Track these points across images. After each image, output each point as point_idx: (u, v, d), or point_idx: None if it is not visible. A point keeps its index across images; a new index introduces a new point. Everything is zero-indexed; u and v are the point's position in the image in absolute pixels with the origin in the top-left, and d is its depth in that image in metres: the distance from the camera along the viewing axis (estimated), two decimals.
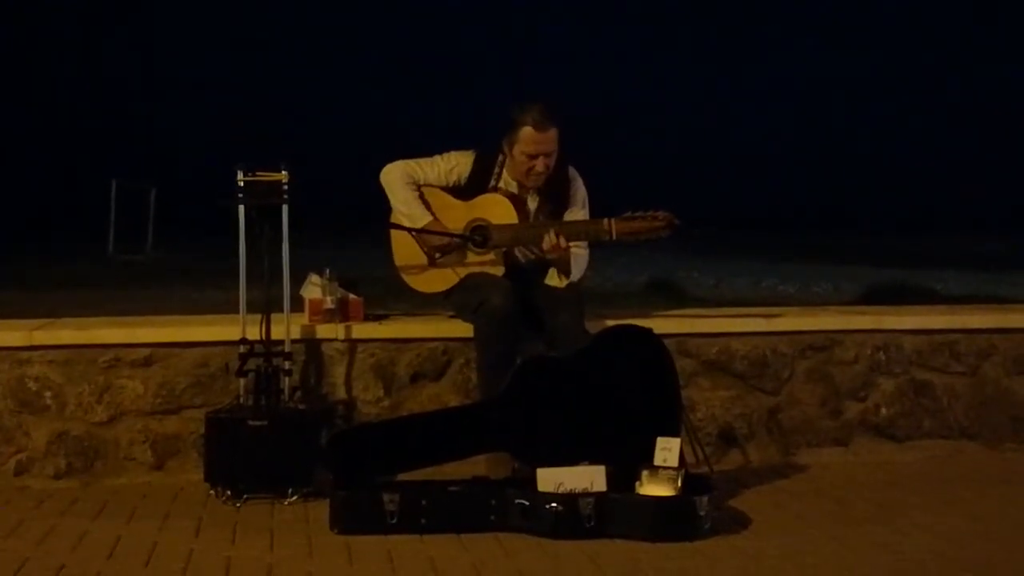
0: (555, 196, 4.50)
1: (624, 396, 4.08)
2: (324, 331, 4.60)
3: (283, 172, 4.33)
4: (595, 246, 4.52)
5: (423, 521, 3.78)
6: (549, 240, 4.27)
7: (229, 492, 4.14)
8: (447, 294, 4.57)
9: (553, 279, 4.45)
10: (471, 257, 4.49)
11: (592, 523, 3.71)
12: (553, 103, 4.41)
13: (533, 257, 4.48)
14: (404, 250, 4.58)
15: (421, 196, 4.53)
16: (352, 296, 4.70)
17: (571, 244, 4.42)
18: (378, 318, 4.79)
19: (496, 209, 4.45)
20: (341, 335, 4.60)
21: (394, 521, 3.77)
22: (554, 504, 3.73)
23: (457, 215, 4.49)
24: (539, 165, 4.39)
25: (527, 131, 4.36)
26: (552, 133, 4.37)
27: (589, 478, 3.78)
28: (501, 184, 4.51)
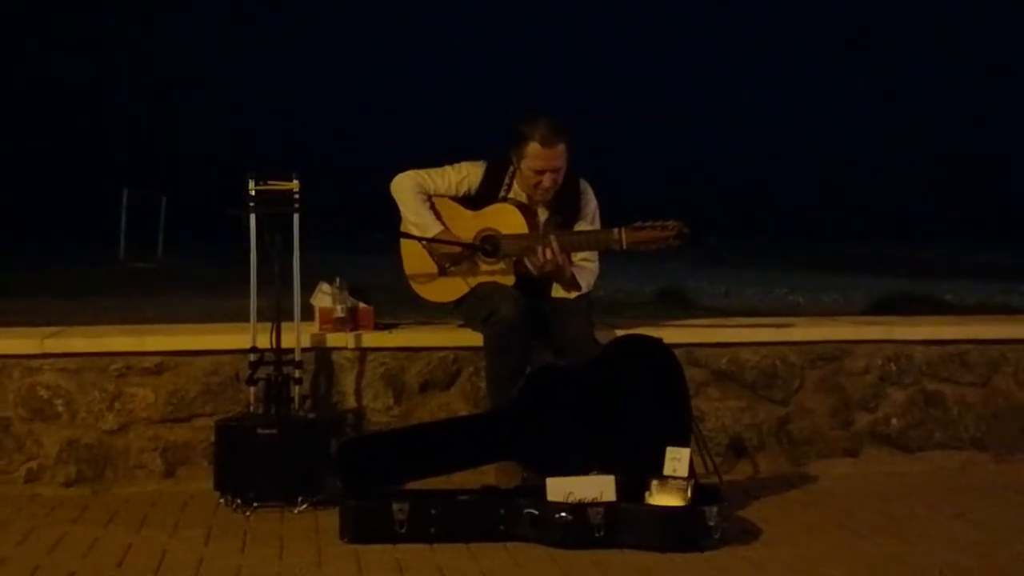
0: (565, 208, 4.50)
1: (634, 406, 4.07)
2: (334, 340, 4.60)
3: (295, 181, 4.34)
4: (604, 255, 4.52)
5: (432, 530, 3.78)
6: (540, 254, 4.27)
7: (239, 500, 4.14)
8: (457, 303, 4.58)
9: (561, 291, 4.45)
10: (481, 267, 4.49)
11: (601, 533, 3.71)
12: (560, 117, 4.41)
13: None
14: (414, 260, 4.59)
15: (432, 206, 4.53)
16: (362, 305, 4.71)
17: (580, 257, 4.42)
18: (388, 327, 4.79)
19: (506, 219, 4.45)
20: (351, 344, 4.60)
21: (403, 530, 3.77)
22: (563, 514, 3.72)
23: (467, 225, 4.50)
24: (546, 180, 4.39)
25: (534, 147, 4.36)
26: (560, 149, 4.37)
27: (599, 488, 3.78)
28: (511, 195, 4.52)
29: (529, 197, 4.50)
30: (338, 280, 4.67)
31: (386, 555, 3.65)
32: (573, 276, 4.42)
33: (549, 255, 4.27)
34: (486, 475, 4.26)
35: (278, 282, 4.31)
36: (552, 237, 4.30)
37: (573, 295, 4.45)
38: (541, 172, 4.38)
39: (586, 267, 4.48)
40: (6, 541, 3.81)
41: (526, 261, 4.47)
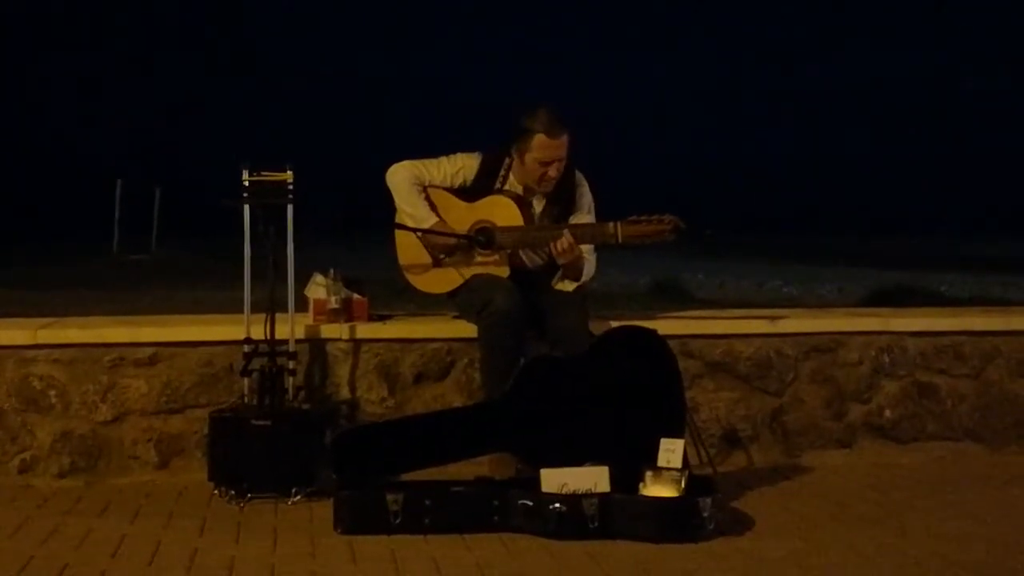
0: (561, 200, 4.50)
1: (628, 397, 4.08)
2: (328, 331, 4.60)
3: (288, 172, 4.34)
4: (599, 248, 4.52)
5: (426, 521, 3.78)
6: (561, 244, 4.27)
7: (233, 492, 4.14)
8: (451, 295, 4.57)
9: (561, 283, 4.45)
10: (476, 258, 4.49)
11: (596, 524, 3.71)
12: (560, 109, 4.40)
13: (540, 260, 4.47)
14: (409, 251, 4.58)
15: (427, 197, 4.53)
16: (356, 296, 4.71)
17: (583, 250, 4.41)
18: (382, 318, 4.79)
19: (501, 211, 4.45)
20: (345, 335, 4.60)
21: (398, 521, 3.77)
22: (558, 505, 3.73)
23: (461, 216, 4.49)
24: (551, 171, 4.39)
25: (540, 138, 4.35)
26: (564, 139, 4.37)
27: (593, 479, 3.79)
28: (507, 187, 4.51)
29: (525, 189, 4.50)
30: (332, 271, 4.67)
31: (380, 546, 3.65)
32: (583, 265, 4.42)
33: (566, 245, 4.27)
34: (480, 466, 4.27)
35: (272, 273, 4.31)
36: (567, 229, 4.30)
37: (572, 287, 4.45)
38: (547, 163, 4.37)
39: (587, 259, 4.48)
40: None
41: (521, 253, 4.47)
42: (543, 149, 4.36)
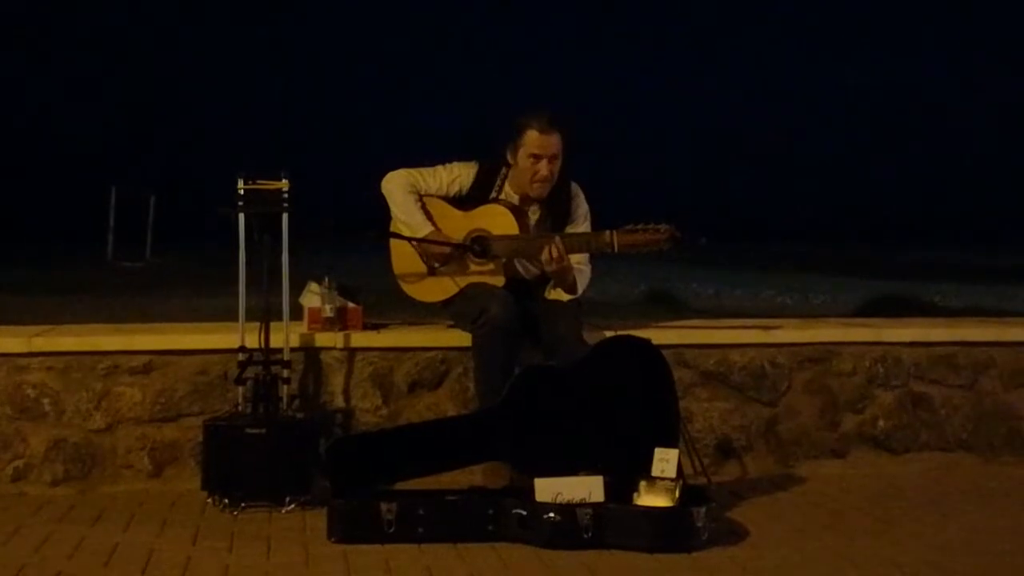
0: (557, 210, 4.51)
1: (622, 407, 4.08)
2: (323, 339, 4.60)
3: (284, 180, 4.34)
4: (595, 258, 4.52)
5: (420, 530, 3.78)
6: (547, 254, 4.27)
7: (226, 500, 4.14)
8: (446, 304, 4.58)
9: (555, 293, 4.45)
10: (471, 267, 4.49)
11: (590, 534, 3.71)
12: (559, 112, 4.43)
13: (535, 270, 4.47)
14: (404, 259, 4.58)
15: (422, 206, 4.53)
16: (351, 304, 4.71)
17: (574, 260, 4.41)
18: (377, 327, 4.79)
19: (496, 220, 4.45)
20: (340, 344, 4.60)
21: (391, 530, 3.77)
22: (552, 514, 3.73)
23: (457, 225, 4.50)
24: (543, 169, 4.39)
25: (532, 133, 4.37)
26: (556, 137, 4.38)
27: (587, 488, 3.78)
28: (503, 196, 4.52)
29: (521, 199, 4.50)
30: (327, 280, 4.67)
31: (374, 555, 3.65)
32: (574, 278, 4.42)
33: (555, 254, 4.27)
34: (474, 476, 4.27)
35: (267, 281, 4.31)
36: (557, 237, 4.31)
37: (567, 298, 4.45)
38: (538, 159, 4.37)
39: (581, 270, 4.48)
40: None
41: (516, 263, 4.47)
42: (533, 144, 4.37)
